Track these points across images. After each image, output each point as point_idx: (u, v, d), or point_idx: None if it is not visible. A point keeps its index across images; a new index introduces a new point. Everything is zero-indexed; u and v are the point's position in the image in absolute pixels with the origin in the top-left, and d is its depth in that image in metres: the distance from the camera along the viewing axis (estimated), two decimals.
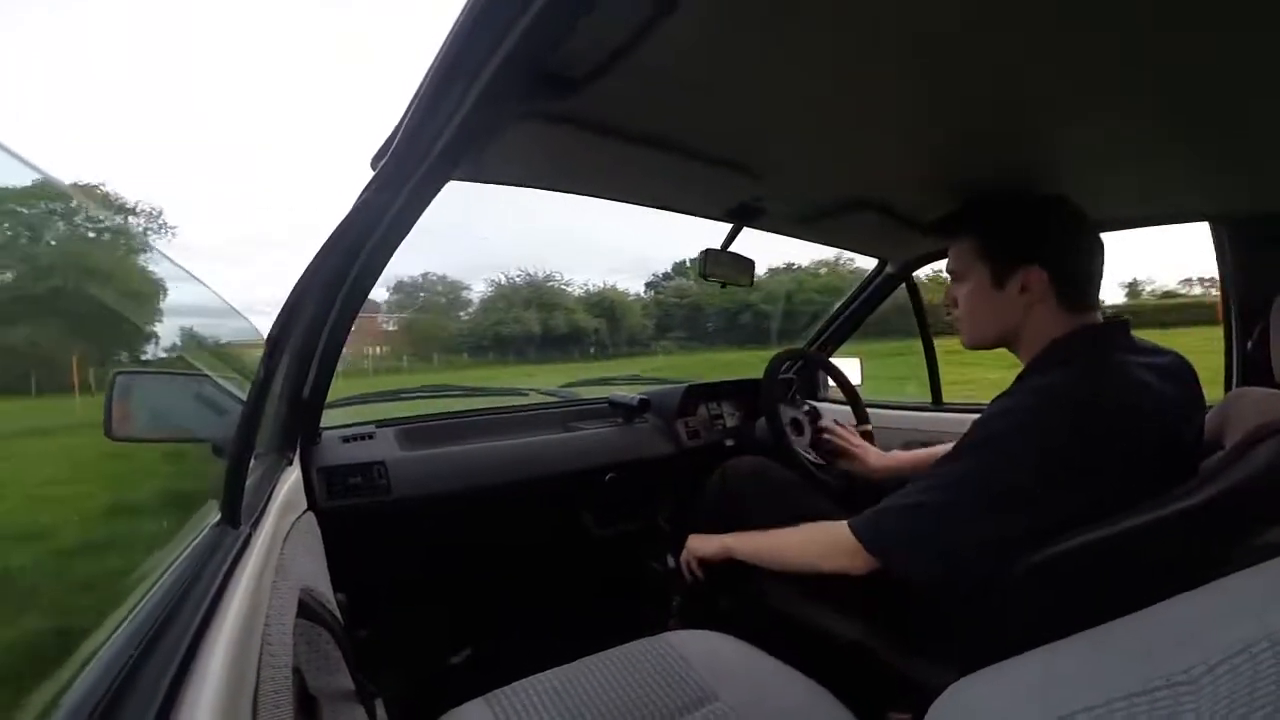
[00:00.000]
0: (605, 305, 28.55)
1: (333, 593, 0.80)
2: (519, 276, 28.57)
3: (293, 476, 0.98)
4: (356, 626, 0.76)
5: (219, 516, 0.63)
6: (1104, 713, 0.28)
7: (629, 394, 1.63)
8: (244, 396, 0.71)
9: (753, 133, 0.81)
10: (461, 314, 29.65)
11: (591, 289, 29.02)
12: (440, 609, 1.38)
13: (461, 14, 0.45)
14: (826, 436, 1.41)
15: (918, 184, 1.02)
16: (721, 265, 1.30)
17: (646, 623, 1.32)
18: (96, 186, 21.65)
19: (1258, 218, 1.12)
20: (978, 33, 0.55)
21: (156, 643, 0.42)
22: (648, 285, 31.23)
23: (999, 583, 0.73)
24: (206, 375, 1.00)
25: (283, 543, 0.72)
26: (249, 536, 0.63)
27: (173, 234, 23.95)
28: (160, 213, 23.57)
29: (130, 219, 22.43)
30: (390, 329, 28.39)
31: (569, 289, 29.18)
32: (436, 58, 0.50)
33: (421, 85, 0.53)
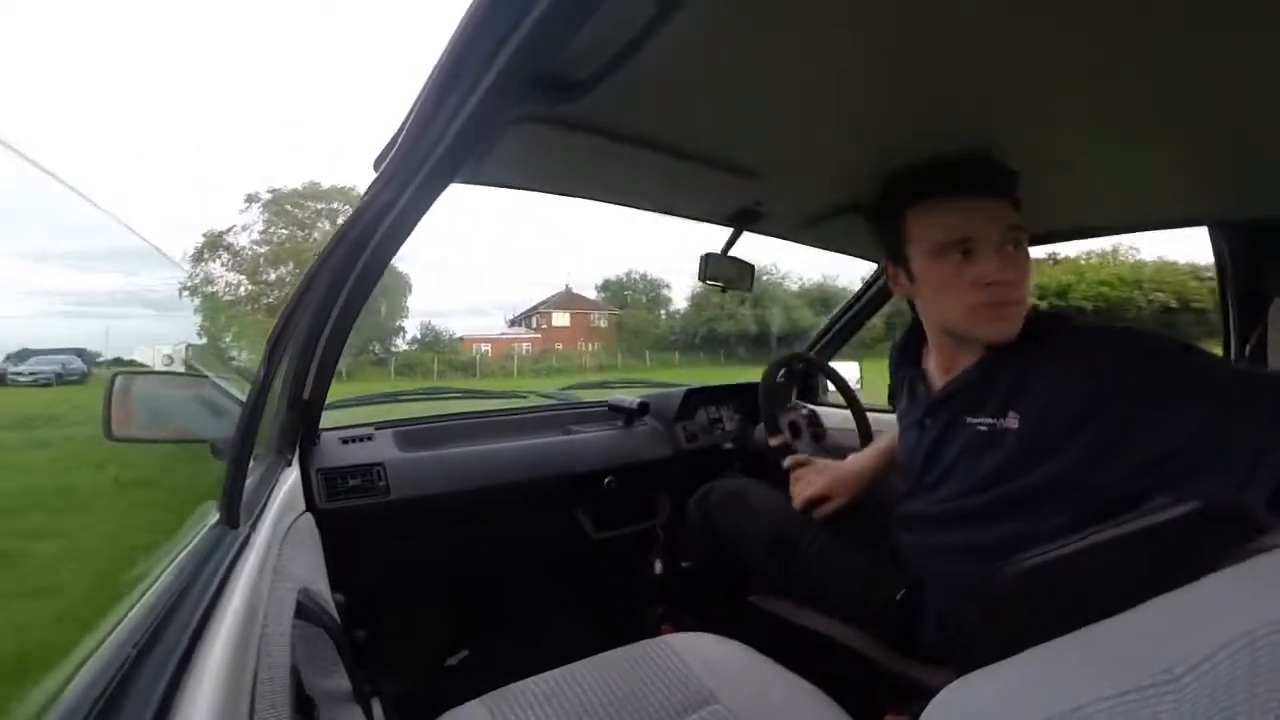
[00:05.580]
0: (825, 301, 26.77)
1: (331, 593, 0.80)
2: None
3: (292, 477, 0.98)
4: (354, 627, 0.76)
5: (218, 517, 0.64)
6: (1089, 713, 0.28)
7: (628, 397, 1.63)
8: (243, 397, 0.71)
9: (754, 136, 0.82)
10: (660, 312, 29.36)
11: (808, 283, 27.37)
12: (438, 610, 1.38)
13: (464, 17, 0.46)
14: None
15: None
16: (721, 269, 1.30)
17: (644, 625, 1.32)
18: (352, 189, 23.72)
19: (1258, 222, 1.12)
20: (979, 36, 0.55)
21: (155, 642, 0.42)
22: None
23: (996, 586, 0.73)
24: (206, 376, 1.00)
25: (281, 543, 0.72)
26: (248, 537, 0.63)
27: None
28: None
29: None
30: (601, 326, 29.26)
31: (785, 282, 27.60)
32: (439, 60, 0.50)
33: (424, 88, 0.54)
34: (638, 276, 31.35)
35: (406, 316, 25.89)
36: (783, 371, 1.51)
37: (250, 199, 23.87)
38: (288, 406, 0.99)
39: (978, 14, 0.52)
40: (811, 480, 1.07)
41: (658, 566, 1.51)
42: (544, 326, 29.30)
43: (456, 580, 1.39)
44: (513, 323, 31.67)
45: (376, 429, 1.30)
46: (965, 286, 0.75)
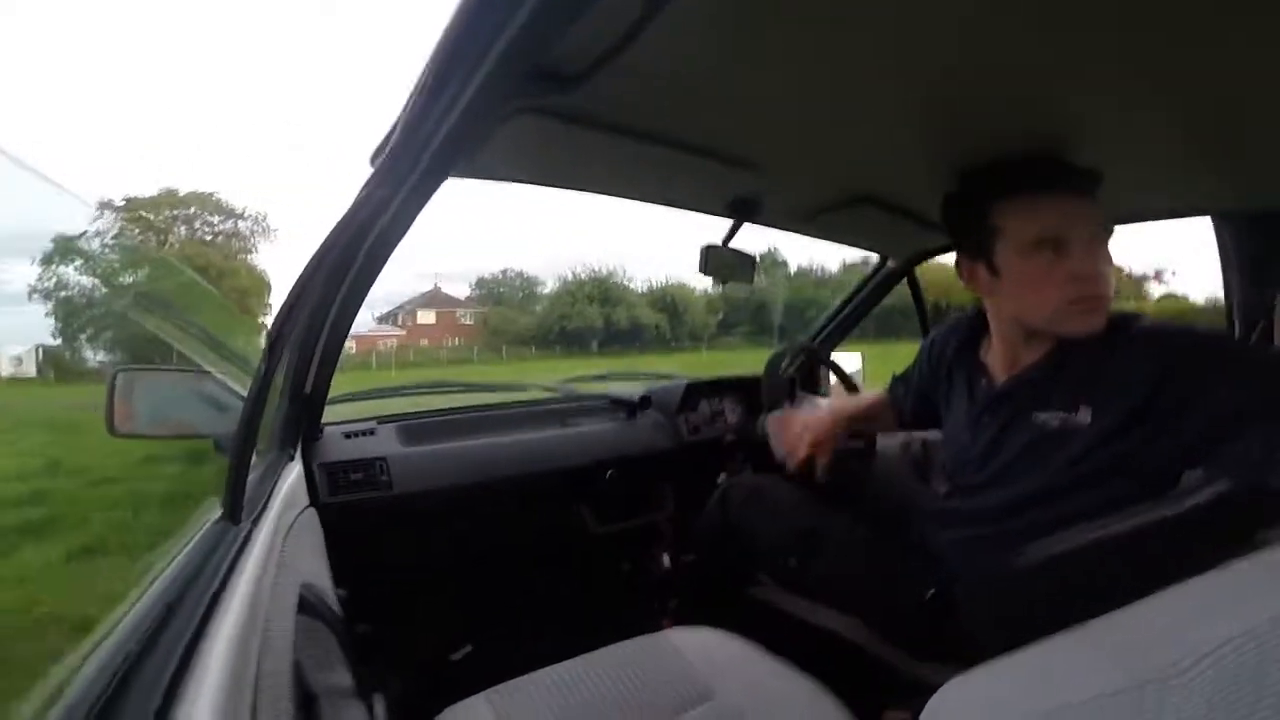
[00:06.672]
0: (667, 301, 29.07)
1: (333, 588, 0.80)
2: (584, 272, 29.63)
3: (294, 472, 0.98)
4: (357, 622, 0.77)
5: (220, 512, 0.64)
6: (1094, 708, 0.28)
7: (630, 389, 1.63)
8: (245, 393, 0.71)
9: (752, 127, 0.81)
10: (536, 308, 31.41)
11: (655, 284, 29.87)
12: (441, 605, 1.39)
13: (459, 8, 0.45)
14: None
15: (918, 177, 1.01)
16: (722, 261, 1.29)
17: (645, 620, 1.33)
18: (212, 194, 25.56)
19: (1263, 214, 1.11)
20: (979, 23, 0.55)
21: (158, 637, 0.42)
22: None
23: (999, 580, 0.73)
24: (208, 372, 1.00)
25: (284, 538, 0.72)
26: (250, 532, 0.63)
27: (275, 235, 27.22)
28: (265, 216, 26.87)
29: (239, 223, 26.21)
30: (467, 323, 31.35)
31: (632, 284, 30.28)
32: (433, 54, 0.50)
33: (418, 83, 0.53)
34: (514, 274, 33.49)
35: (268, 313, 25.95)
36: (785, 363, 1.51)
37: (103, 206, 23.25)
38: (290, 401, 0.99)
39: (979, 1, 0.51)
40: (796, 444, 1.13)
41: (665, 560, 1.51)
42: (409, 324, 30.99)
43: (459, 574, 1.40)
44: (380, 320, 32.78)
45: (379, 423, 1.30)
46: (1058, 283, 0.76)
